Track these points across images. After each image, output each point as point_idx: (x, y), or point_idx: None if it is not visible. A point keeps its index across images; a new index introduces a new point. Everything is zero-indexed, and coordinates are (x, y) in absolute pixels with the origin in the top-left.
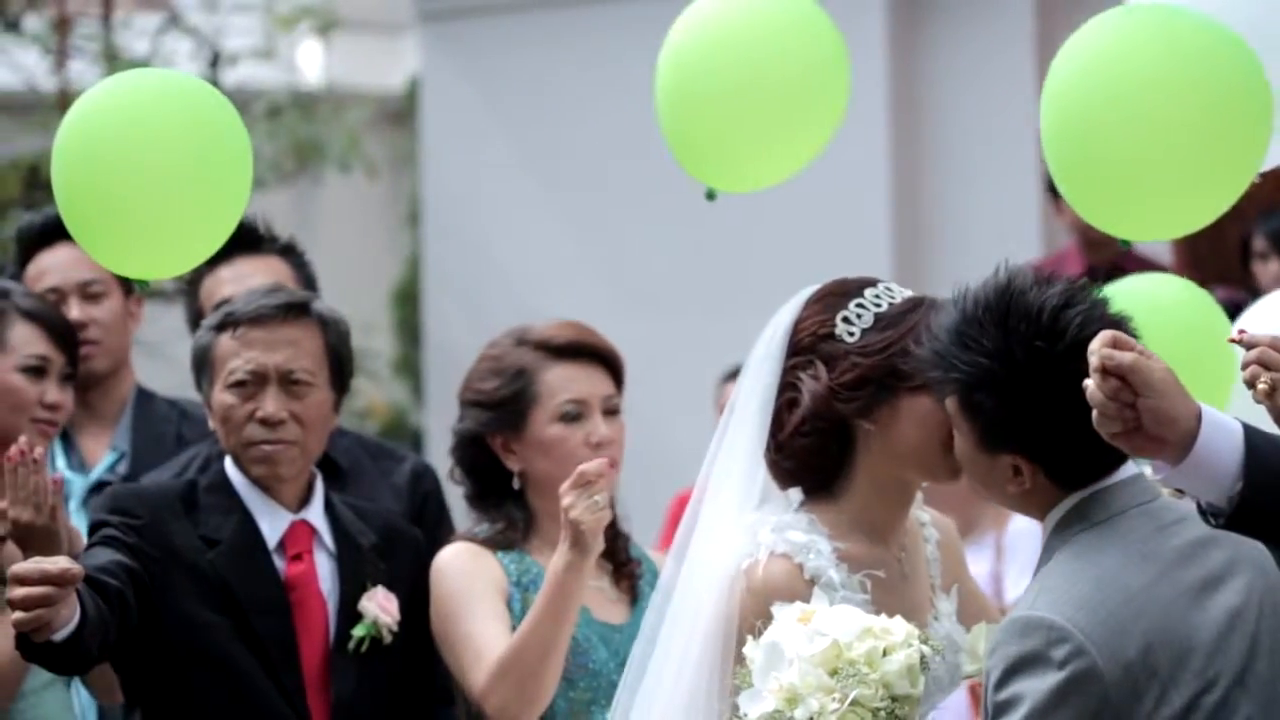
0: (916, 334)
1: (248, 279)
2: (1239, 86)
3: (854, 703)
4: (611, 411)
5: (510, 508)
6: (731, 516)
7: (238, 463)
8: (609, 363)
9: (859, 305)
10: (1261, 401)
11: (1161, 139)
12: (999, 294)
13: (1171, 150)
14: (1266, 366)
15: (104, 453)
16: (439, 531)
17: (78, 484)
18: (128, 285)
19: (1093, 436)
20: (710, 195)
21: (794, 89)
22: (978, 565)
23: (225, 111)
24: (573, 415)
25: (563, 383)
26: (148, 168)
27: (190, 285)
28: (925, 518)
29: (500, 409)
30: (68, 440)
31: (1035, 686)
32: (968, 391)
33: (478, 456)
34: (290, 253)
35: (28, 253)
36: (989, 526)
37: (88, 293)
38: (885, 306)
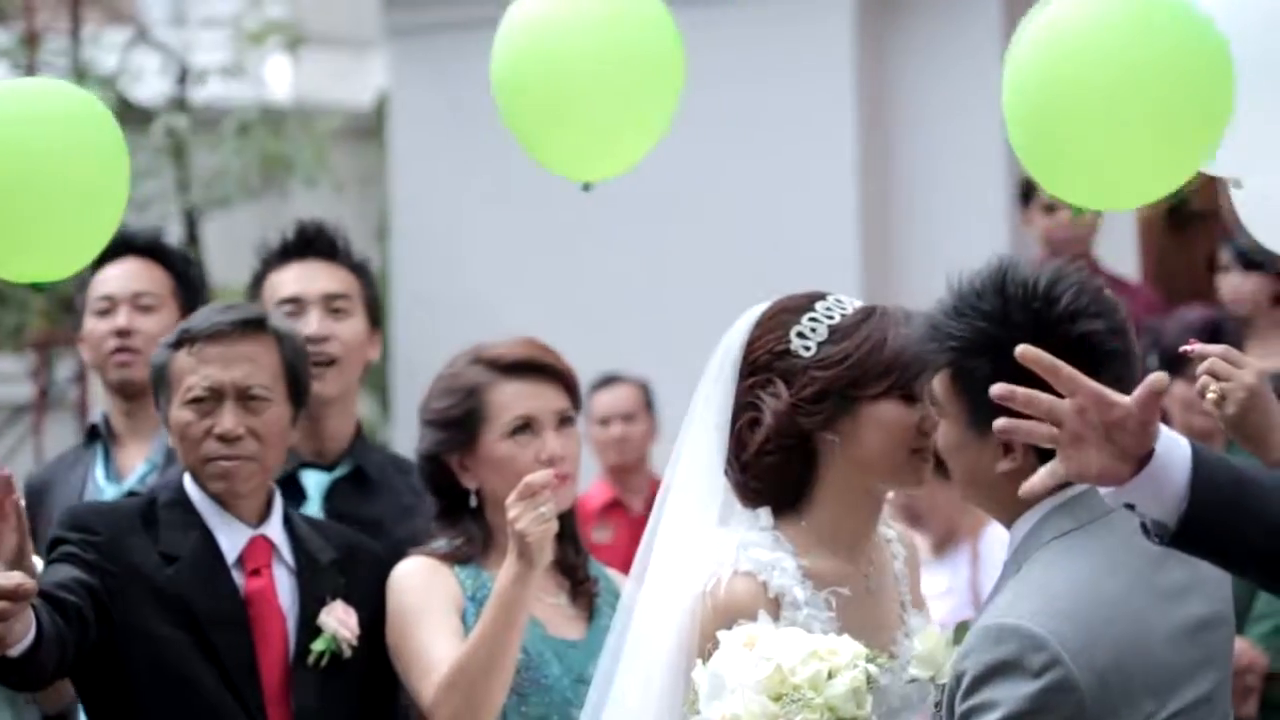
0: (872, 343)
1: (316, 280)
2: (1202, 58)
3: None
4: (565, 424)
5: (468, 524)
6: (690, 536)
7: (196, 479)
8: (561, 378)
9: (811, 319)
10: (1212, 411)
11: (1125, 103)
12: (995, 269)
13: (1134, 115)
14: (1216, 377)
15: (140, 464)
16: None
17: (110, 493)
18: (190, 304)
19: None
20: (586, 187)
21: (633, 78)
22: (956, 573)
23: (102, 121)
24: (524, 430)
25: (511, 399)
26: (23, 174)
27: (252, 288)
28: (892, 534)
29: (453, 428)
30: (108, 449)
31: (1010, 694)
32: (962, 359)
33: (438, 476)
34: (362, 271)
35: (96, 264)
36: (965, 536)
37: (139, 304)
38: (838, 318)
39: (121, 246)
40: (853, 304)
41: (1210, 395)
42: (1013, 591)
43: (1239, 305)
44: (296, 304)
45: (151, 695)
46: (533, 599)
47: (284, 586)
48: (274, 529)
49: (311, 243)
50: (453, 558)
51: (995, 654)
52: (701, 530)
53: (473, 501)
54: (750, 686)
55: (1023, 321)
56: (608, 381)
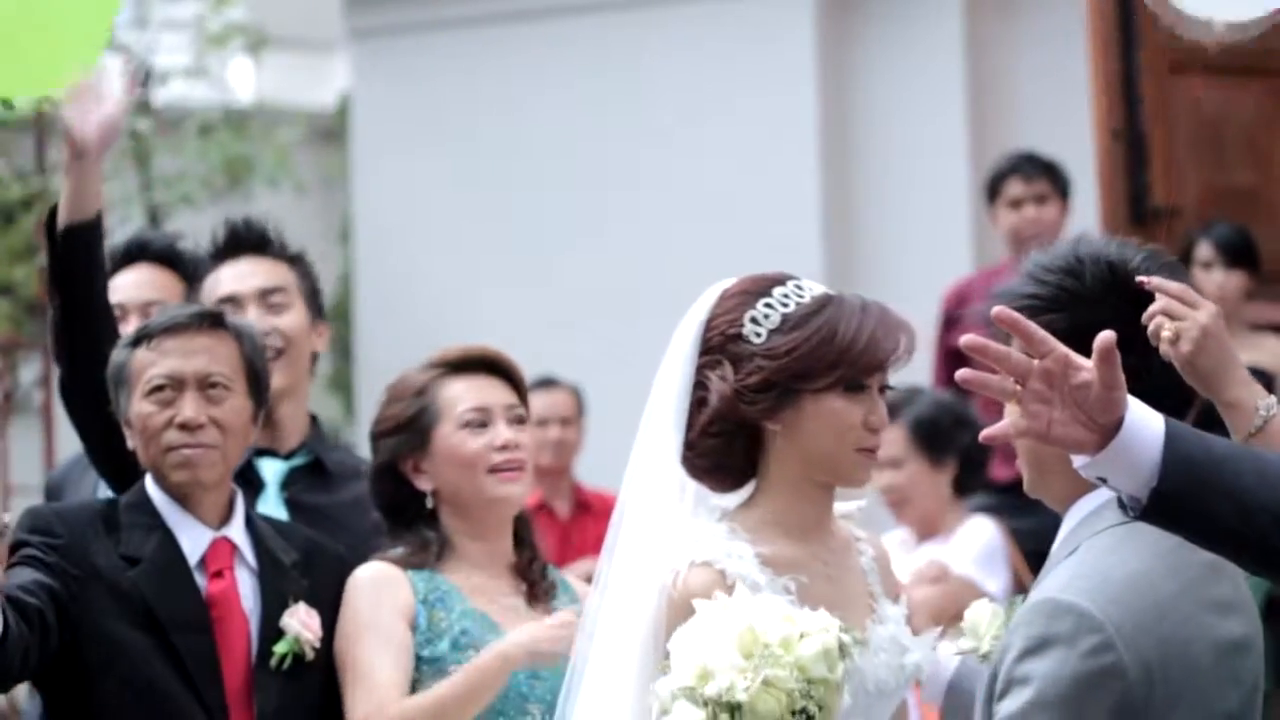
0: (821, 336)
1: (248, 278)
2: None
3: (767, 683)
4: (517, 420)
5: (423, 530)
6: (655, 520)
7: (157, 475)
8: (507, 374)
9: (767, 305)
10: (1166, 351)
11: None
12: (1067, 241)
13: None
14: (1171, 316)
15: None
16: None
17: None
18: None
19: (1159, 374)
20: (7, 105)
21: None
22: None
23: None
24: (476, 423)
25: (462, 393)
26: None
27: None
28: (860, 533)
29: (405, 430)
30: None
31: (1055, 670)
32: (1035, 317)
33: (392, 488)
34: (298, 261)
35: (111, 270)
36: (945, 527)
37: (150, 313)
38: (792, 306)
39: (136, 252)
40: (812, 291)
41: (1165, 334)
42: (1069, 571)
43: (1222, 303)
44: (234, 302)
45: (113, 698)
46: (491, 601)
47: (247, 589)
48: (236, 530)
49: (242, 240)
50: (409, 563)
51: (1047, 628)
52: (666, 513)
53: (429, 503)
54: (721, 641)
55: (1098, 274)
56: (544, 384)
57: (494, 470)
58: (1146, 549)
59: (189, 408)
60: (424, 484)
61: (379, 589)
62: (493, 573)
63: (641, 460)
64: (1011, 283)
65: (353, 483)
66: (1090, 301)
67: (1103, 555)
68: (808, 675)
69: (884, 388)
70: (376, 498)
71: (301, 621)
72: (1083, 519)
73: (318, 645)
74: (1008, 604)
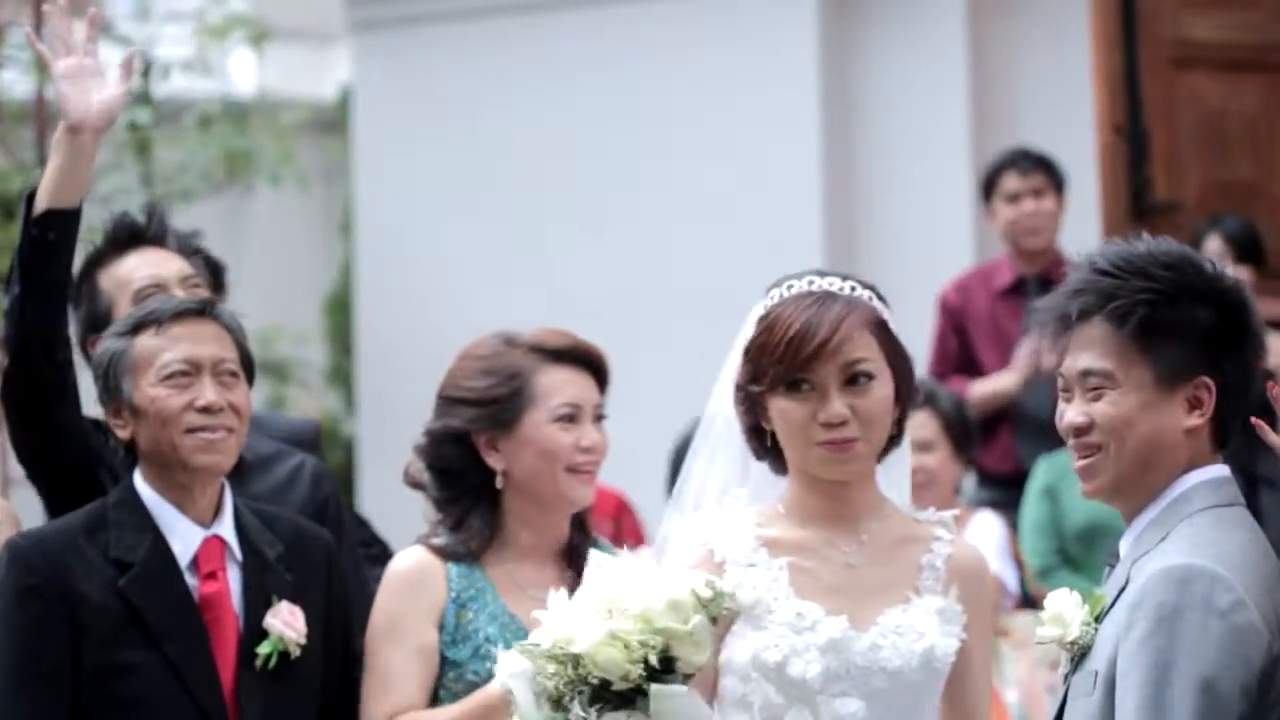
0: (765, 338)
1: (165, 264)
2: None
3: (613, 635)
4: (600, 419)
5: (474, 518)
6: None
7: (167, 462)
8: (598, 371)
9: (761, 308)
10: None
11: None
12: (1147, 241)
13: None
14: None
15: None
16: (342, 531)
17: None
18: None
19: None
20: None
21: None
22: None
23: None
24: (569, 418)
25: (559, 385)
26: None
27: (81, 283)
28: (945, 535)
29: (492, 406)
30: None
31: (1198, 633)
32: (1154, 312)
33: (454, 456)
34: (193, 251)
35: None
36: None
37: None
38: (768, 309)
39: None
40: (798, 289)
41: None
42: (1180, 545)
43: None
44: (159, 288)
45: (115, 716)
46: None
47: (235, 586)
48: (225, 527)
49: (148, 231)
50: (450, 554)
51: (1181, 593)
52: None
53: (499, 482)
54: (585, 605)
55: (1207, 275)
56: None
57: (572, 470)
58: (1243, 530)
59: (210, 392)
60: (496, 462)
61: (414, 589)
62: (541, 562)
63: (699, 449)
64: (1103, 282)
65: (264, 473)
66: (1206, 296)
67: (1207, 530)
68: (653, 626)
69: (855, 377)
70: (432, 458)
71: (284, 621)
72: (1175, 499)
73: (303, 641)
74: (1087, 592)
